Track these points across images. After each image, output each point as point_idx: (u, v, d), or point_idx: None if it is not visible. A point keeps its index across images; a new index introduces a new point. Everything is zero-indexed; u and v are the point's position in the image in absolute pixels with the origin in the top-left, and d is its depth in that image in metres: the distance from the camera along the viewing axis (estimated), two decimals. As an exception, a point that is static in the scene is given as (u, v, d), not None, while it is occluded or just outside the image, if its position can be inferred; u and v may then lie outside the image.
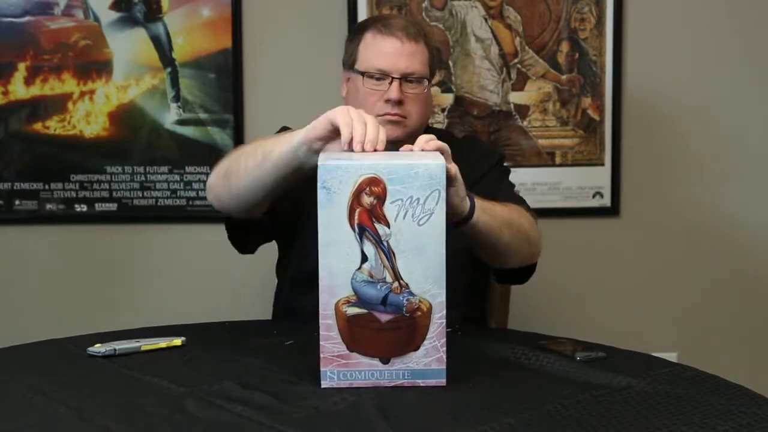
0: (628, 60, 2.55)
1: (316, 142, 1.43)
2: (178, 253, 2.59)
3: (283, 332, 1.63)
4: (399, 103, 1.77)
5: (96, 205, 2.55)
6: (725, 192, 2.61)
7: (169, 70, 2.51)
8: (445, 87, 2.53)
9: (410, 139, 1.51)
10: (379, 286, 1.29)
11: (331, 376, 1.30)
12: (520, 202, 1.79)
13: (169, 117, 2.53)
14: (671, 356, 2.47)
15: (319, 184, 1.26)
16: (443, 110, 2.54)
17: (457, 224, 1.46)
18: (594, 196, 2.58)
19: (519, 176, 2.20)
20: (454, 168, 1.37)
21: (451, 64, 2.53)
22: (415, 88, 1.80)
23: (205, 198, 2.15)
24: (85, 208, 2.55)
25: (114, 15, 2.50)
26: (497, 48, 2.53)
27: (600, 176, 2.57)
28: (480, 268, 1.79)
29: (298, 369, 1.38)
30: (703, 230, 2.61)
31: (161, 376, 1.36)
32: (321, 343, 1.30)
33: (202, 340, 1.58)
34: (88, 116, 2.52)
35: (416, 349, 1.30)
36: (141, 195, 2.55)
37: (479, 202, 1.49)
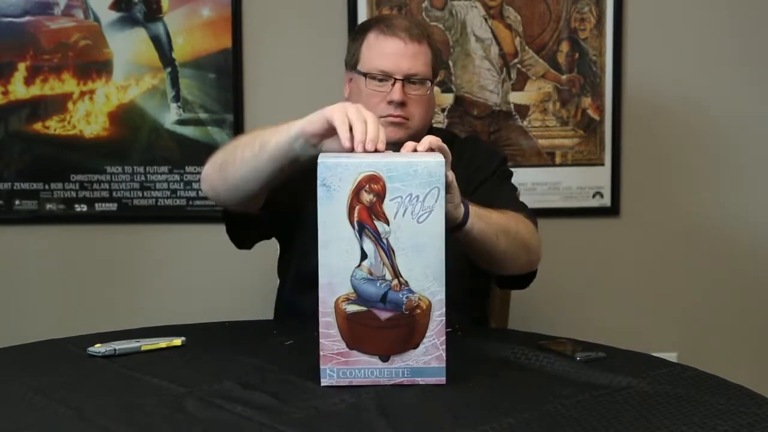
0: (628, 60, 2.55)
1: (313, 137, 1.43)
2: (178, 253, 2.59)
3: (283, 332, 1.63)
4: (402, 104, 1.76)
5: (96, 205, 2.55)
6: (725, 192, 2.61)
7: (169, 70, 2.52)
8: (445, 87, 2.53)
9: (413, 141, 1.50)
10: (378, 284, 1.29)
11: (330, 374, 1.30)
12: (521, 208, 1.77)
13: (169, 117, 2.53)
14: (671, 356, 2.47)
15: (318, 182, 1.26)
16: (443, 110, 2.54)
17: (452, 231, 1.45)
18: (594, 196, 2.58)
19: (519, 176, 2.19)
20: (450, 175, 1.36)
21: (451, 64, 2.53)
22: (418, 89, 1.78)
23: (205, 198, 2.14)
24: (85, 208, 2.55)
25: (114, 15, 2.50)
26: (497, 48, 2.53)
27: (600, 176, 2.57)
28: (481, 273, 1.77)
29: (298, 369, 1.37)
30: (703, 230, 2.61)
31: (161, 376, 1.36)
32: (321, 341, 1.30)
33: (202, 340, 1.58)
34: (88, 116, 2.52)
35: (416, 346, 1.30)
36: (141, 195, 2.55)
37: (474, 209, 1.49)
